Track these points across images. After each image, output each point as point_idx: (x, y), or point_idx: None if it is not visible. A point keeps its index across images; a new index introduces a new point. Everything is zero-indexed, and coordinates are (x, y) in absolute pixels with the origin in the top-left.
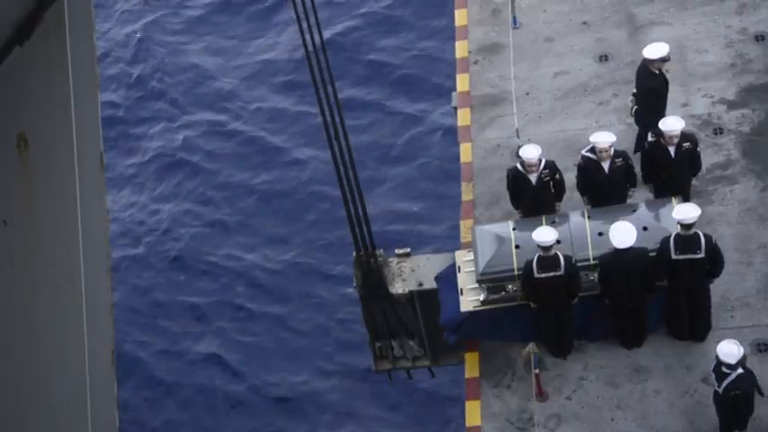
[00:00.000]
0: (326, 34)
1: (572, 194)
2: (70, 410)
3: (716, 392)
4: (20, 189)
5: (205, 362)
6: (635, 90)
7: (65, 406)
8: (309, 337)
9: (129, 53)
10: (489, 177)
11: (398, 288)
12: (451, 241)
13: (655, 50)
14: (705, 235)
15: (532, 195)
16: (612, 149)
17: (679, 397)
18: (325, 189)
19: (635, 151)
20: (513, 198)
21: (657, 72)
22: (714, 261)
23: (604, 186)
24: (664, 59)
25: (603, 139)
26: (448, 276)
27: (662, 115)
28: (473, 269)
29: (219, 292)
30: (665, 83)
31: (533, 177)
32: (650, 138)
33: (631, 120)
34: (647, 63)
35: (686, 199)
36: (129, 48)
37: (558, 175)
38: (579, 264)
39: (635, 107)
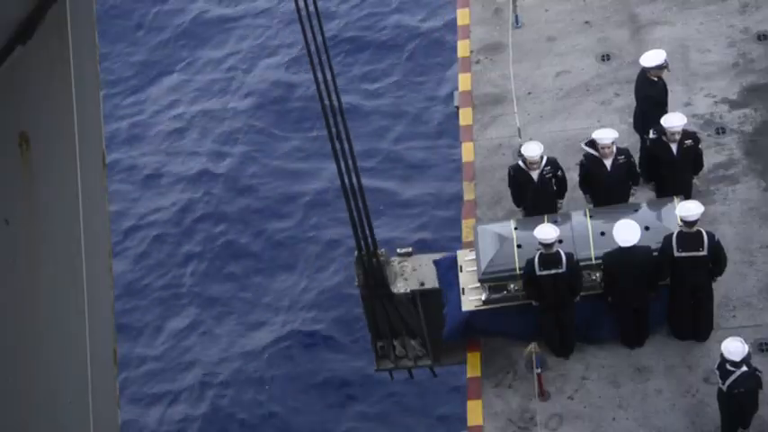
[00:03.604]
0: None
1: (573, 194)
2: (71, 410)
3: (719, 390)
4: (21, 188)
5: (202, 359)
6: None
7: (66, 405)
8: (310, 336)
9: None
10: (491, 177)
11: (400, 287)
12: (453, 241)
13: (651, 58)
14: (708, 233)
15: (534, 192)
16: (615, 147)
17: (681, 396)
18: (325, 189)
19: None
20: (515, 195)
21: (656, 79)
22: (717, 259)
23: (607, 184)
24: (661, 67)
25: (606, 135)
26: (448, 273)
27: None
28: (475, 269)
29: (219, 290)
30: (664, 90)
31: (535, 174)
32: (652, 135)
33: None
34: (645, 71)
35: (688, 198)
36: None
37: (560, 173)
38: (581, 263)
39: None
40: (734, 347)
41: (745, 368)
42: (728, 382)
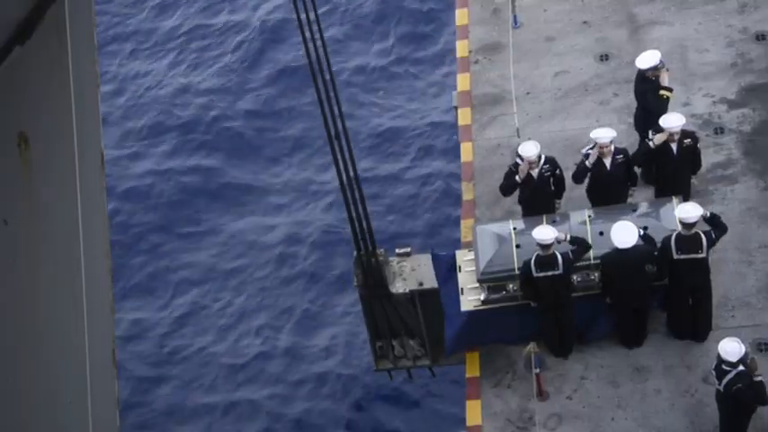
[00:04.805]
0: (327, 32)
1: (571, 194)
2: (71, 410)
3: (717, 391)
4: (21, 188)
5: (202, 359)
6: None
7: (66, 406)
8: (309, 335)
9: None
10: (490, 177)
11: (399, 287)
12: (452, 241)
13: (645, 60)
14: (706, 234)
15: (532, 191)
16: (613, 146)
17: (680, 396)
18: (325, 190)
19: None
20: (505, 186)
21: (653, 79)
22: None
23: (606, 183)
24: (656, 68)
25: (605, 134)
26: (447, 279)
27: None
28: (474, 269)
29: (219, 289)
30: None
31: (534, 173)
32: (651, 135)
33: (632, 119)
34: (641, 72)
35: (686, 197)
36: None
37: (558, 171)
38: (580, 263)
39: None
40: (731, 348)
41: (741, 368)
42: (724, 381)
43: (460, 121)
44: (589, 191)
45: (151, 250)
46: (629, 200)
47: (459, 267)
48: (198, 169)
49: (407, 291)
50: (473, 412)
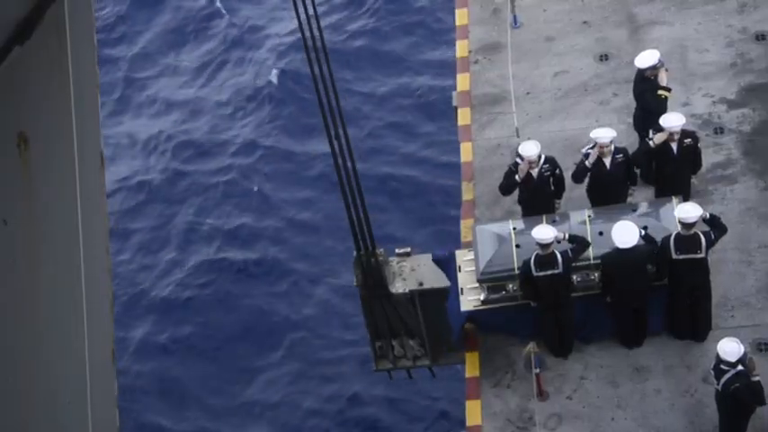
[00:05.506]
0: (327, 33)
1: (571, 194)
2: (71, 410)
3: (716, 391)
4: (20, 189)
5: (199, 357)
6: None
7: (65, 405)
8: (309, 335)
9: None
10: (490, 177)
11: (399, 288)
12: (452, 241)
13: (644, 59)
14: (705, 234)
15: (532, 191)
16: (613, 146)
17: (680, 396)
18: (323, 190)
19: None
20: (505, 185)
21: (653, 78)
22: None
23: (606, 183)
24: (655, 67)
25: (605, 134)
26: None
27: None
28: (473, 269)
29: (218, 288)
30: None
31: (534, 173)
32: (651, 135)
33: (632, 119)
34: (640, 71)
35: (686, 197)
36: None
37: (558, 171)
38: (580, 263)
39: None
40: (730, 348)
41: (740, 368)
42: (723, 381)
43: (460, 121)
44: (589, 191)
45: None
46: (629, 200)
47: (459, 267)
48: None
49: (407, 291)
50: (473, 412)
